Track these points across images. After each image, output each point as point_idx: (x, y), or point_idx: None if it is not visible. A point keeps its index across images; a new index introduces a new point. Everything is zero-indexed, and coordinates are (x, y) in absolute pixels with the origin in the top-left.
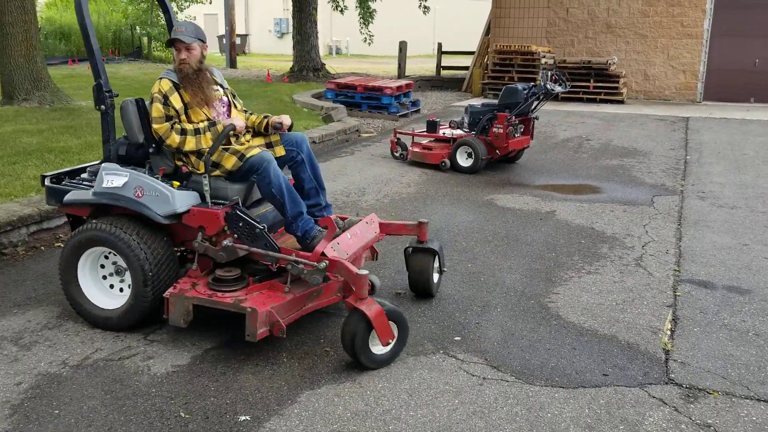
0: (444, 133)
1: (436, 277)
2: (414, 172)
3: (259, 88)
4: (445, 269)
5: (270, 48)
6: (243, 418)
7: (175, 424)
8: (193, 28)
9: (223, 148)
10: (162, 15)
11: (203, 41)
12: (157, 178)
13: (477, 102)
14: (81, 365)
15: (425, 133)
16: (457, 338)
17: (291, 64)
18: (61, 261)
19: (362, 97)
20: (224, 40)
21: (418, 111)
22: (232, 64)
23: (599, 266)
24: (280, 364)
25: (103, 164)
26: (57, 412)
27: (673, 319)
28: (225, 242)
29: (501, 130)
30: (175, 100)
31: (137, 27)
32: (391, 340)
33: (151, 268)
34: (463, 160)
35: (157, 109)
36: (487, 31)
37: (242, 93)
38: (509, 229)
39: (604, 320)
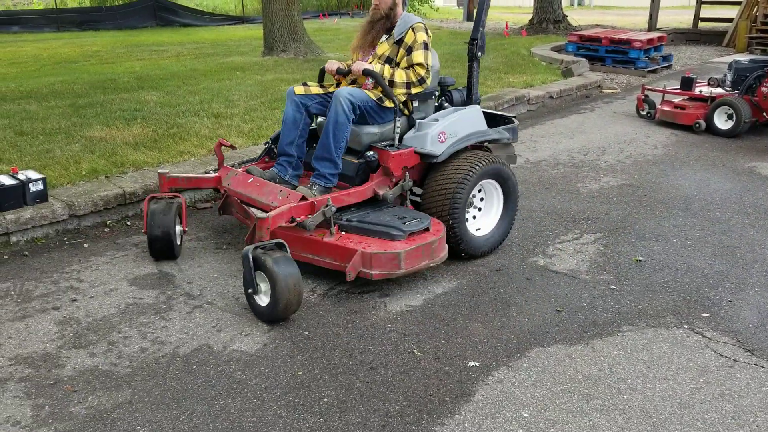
0: (701, 91)
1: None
2: (662, 132)
3: (495, 41)
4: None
5: (507, 0)
6: (472, 363)
7: (408, 359)
8: None
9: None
10: None
11: None
12: None
13: (743, 58)
14: (327, 294)
15: (678, 91)
16: (704, 315)
17: (530, 16)
18: None
19: (607, 51)
20: None
21: (669, 67)
22: (470, 17)
23: None
24: (509, 317)
25: None
26: (306, 333)
27: None
28: None
29: None
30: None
31: None
32: None
33: None
34: (722, 122)
35: None
36: None
37: None
38: None
39: None
